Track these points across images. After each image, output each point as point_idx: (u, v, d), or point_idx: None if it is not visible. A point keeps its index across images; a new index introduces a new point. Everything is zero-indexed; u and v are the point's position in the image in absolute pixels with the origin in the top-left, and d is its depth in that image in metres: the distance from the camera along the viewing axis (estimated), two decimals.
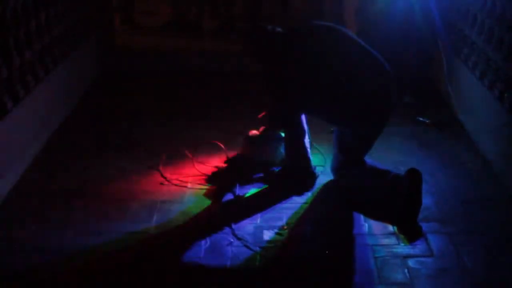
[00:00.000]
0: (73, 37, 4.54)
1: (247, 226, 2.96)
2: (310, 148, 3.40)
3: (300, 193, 3.25)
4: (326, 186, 3.35)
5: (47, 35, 3.95)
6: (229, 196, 3.23)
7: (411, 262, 2.68)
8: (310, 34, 3.22)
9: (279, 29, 3.23)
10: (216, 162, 3.59)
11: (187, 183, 3.36)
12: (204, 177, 3.43)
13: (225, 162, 3.57)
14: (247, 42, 3.33)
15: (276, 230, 2.93)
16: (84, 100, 4.61)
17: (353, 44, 3.15)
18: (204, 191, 3.29)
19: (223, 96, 4.75)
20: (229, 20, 6.53)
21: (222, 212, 3.08)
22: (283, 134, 3.46)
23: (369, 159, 3.27)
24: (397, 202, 2.98)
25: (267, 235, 2.90)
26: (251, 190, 3.31)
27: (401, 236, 2.88)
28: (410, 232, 2.91)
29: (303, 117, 3.32)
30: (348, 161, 3.25)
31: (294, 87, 3.12)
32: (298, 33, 3.26)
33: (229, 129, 4.00)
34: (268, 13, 6.65)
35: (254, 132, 3.62)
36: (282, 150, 3.46)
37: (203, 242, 2.82)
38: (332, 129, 3.47)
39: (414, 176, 2.94)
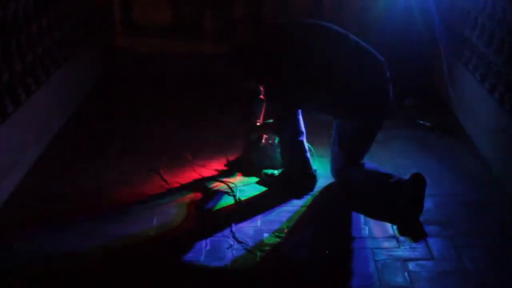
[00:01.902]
0: (73, 40, 4.55)
1: (247, 229, 2.96)
2: (309, 152, 3.40)
3: (299, 196, 3.25)
4: (326, 188, 3.34)
5: (48, 38, 3.96)
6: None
7: (411, 265, 2.68)
8: (298, 32, 3.22)
9: (257, 37, 3.25)
10: (217, 165, 3.59)
11: (187, 186, 3.36)
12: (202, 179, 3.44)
13: (225, 165, 3.58)
14: (235, 64, 3.33)
15: (276, 233, 2.93)
16: (85, 103, 4.61)
17: (342, 37, 3.16)
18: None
19: (224, 98, 4.74)
20: (230, 22, 6.53)
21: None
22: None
23: (371, 163, 3.27)
24: (399, 207, 2.98)
25: (267, 238, 2.90)
26: (251, 193, 3.31)
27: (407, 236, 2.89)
28: (413, 232, 2.92)
29: (301, 119, 3.32)
30: (348, 161, 3.25)
31: (291, 84, 3.12)
32: (285, 32, 3.26)
33: (230, 131, 4.00)
34: (269, 14, 6.65)
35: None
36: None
37: (203, 245, 2.82)
38: (332, 132, 3.47)
39: (418, 181, 2.94)
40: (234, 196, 3.26)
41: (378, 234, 2.92)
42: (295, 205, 3.18)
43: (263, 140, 3.55)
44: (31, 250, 2.77)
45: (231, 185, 3.36)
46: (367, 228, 2.98)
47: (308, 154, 3.36)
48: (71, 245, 2.82)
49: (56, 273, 2.63)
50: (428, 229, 2.95)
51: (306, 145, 3.36)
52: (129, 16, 6.84)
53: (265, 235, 2.92)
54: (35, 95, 3.64)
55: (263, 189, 3.36)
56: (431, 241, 2.86)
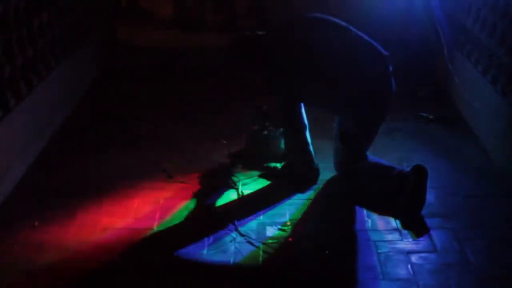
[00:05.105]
0: (75, 35, 4.54)
1: (250, 222, 2.97)
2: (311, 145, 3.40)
3: (302, 189, 3.25)
4: (329, 182, 3.34)
5: (50, 33, 3.95)
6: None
7: (414, 258, 2.69)
8: (301, 26, 3.21)
9: (260, 32, 3.24)
10: (219, 159, 3.58)
11: (190, 180, 3.36)
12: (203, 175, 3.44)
13: (228, 159, 3.57)
14: (237, 57, 3.32)
15: (279, 226, 2.94)
16: (87, 98, 4.61)
17: (344, 31, 3.15)
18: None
19: (225, 92, 4.74)
20: (232, 16, 6.51)
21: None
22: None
23: (373, 156, 3.27)
24: (402, 199, 2.98)
25: (270, 231, 2.90)
26: (254, 187, 3.31)
27: (409, 231, 2.89)
28: (416, 227, 2.92)
29: (303, 112, 3.32)
30: (350, 155, 3.25)
31: (292, 78, 3.12)
32: (287, 27, 3.25)
33: (232, 124, 4.00)
34: (271, 8, 6.62)
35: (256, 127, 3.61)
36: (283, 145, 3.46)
37: (206, 238, 2.83)
38: (334, 125, 3.46)
39: (420, 173, 2.94)
40: (237, 189, 3.26)
41: (381, 227, 2.93)
42: (298, 199, 3.18)
43: (265, 132, 3.55)
44: (33, 245, 2.77)
45: (234, 178, 3.36)
46: (370, 221, 2.98)
47: (311, 148, 3.36)
48: (72, 240, 2.82)
49: (58, 268, 2.63)
50: (431, 221, 2.96)
51: (309, 138, 3.35)
52: (135, 5, 6.85)
53: (268, 228, 2.92)
54: (36, 90, 3.64)
55: (266, 182, 3.36)
56: (433, 233, 2.86)
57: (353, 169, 3.26)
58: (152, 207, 3.08)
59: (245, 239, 2.83)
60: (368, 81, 3.07)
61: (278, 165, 3.47)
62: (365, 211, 3.06)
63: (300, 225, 2.96)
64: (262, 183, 3.35)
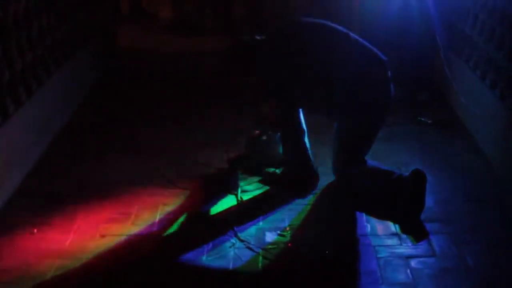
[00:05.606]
0: (74, 39, 4.54)
1: (250, 227, 2.97)
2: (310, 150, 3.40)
3: (301, 194, 3.25)
4: (328, 187, 3.35)
5: (49, 38, 3.96)
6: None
7: (413, 262, 2.69)
8: (300, 30, 3.22)
9: (259, 37, 3.26)
10: (218, 164, 3.59)
11: (189, 186, 3.36)
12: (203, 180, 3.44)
13: (227, 164, 3.58)
14: (235, 60, 3.34)
15: (278, 232, 2.94)
16: (86, 102, 4.61)
17: (343, 37, 3.15)
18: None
19: (225, 96, 4.74)
20: (231, 20, 6.54)
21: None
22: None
23: (371, 161, 3.27)
24: (401, 203, 2.98)
25: (270, 236, 2.90)
26: (253, 192, 3.31)
27: (408, 236, 2.89)
28: (415, 231, 2.92)
29: (302, 117, 3.32)
30: (349, 159, 3.25)
31: (290, 82, 3.13)
32: (286, 31, 3.27)
33: (231, 129, 4.00)
34: (269, 12, 6.65)
35: (257, 132, 3.61)
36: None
37: (205, 244, 2.82)
38: (333, 129, 3.47)
39: (418, 177, 2.94)
40: (236, 195, 3.26)
41: (380, 232, 2.93)
42: (297, 204, 3.18)
43: (264, 137, 3.55)
44: (32, 251, 2.77)
45: (233, 184, 3.36)
46: (369, 225, 2.98)
47: (310, 153, 3.36)
48: (71, 246, 2.82)
49: (56, 274, 2.63)
50: (430, 226, 2.96)
51: (308, 143, 3.36)
52: (137, 5, 6.89)
53: (268, 233, 2.92)
54: (36, 95, 3.64)
55: (265, 188, 3.35)
56: (433, 238, 2.87)
57: (352, 174, 3.27)
58: (152, 213, 3.08)
59: (244, 244, 2.83)
60: (367, 85, 3.08)
61: (277, 171, 3.47)
62: (364, 216, 3.06)
63: (299, 230, 2.97)
64: (261, 188, 3.35)
